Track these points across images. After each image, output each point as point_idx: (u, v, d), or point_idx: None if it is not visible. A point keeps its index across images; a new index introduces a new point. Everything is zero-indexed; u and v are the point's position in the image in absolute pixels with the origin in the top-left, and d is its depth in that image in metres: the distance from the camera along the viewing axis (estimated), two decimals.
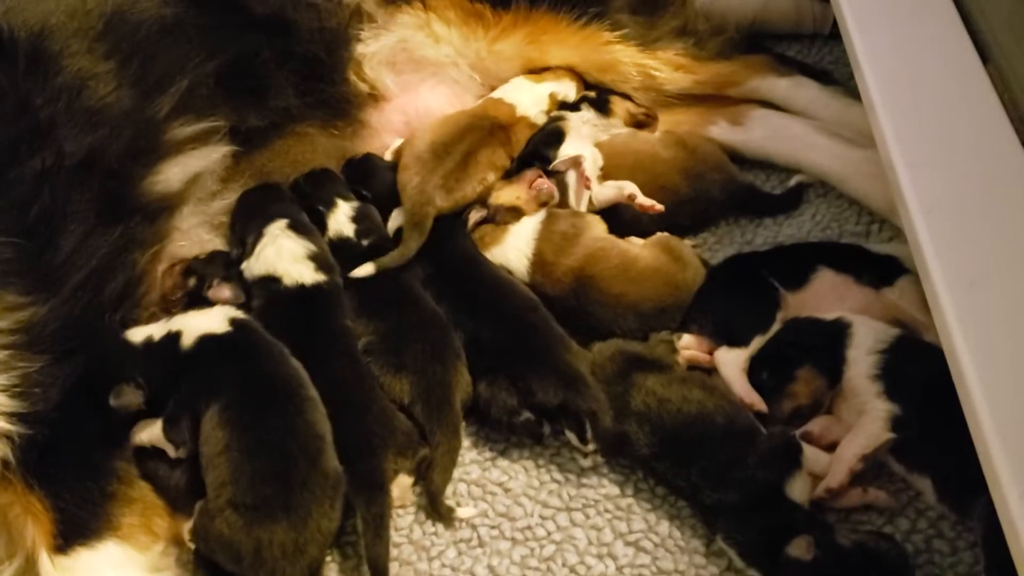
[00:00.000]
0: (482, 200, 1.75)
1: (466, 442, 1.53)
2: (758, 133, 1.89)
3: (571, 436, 1.46)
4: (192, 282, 1.65)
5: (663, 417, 1.41)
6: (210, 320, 1.53)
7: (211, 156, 1.73)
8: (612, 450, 1.46)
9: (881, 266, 1.53)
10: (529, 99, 1.89)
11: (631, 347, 1.53)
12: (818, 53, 2.13)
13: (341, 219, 1.74)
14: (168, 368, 1.48)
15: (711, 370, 1.52)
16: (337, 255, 1.69)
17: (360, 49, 1.90)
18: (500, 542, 1.41)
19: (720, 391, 1.46)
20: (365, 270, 1.62)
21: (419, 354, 1.52)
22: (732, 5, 2.14)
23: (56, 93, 1.56)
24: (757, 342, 1.50)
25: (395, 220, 1.75)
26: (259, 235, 1.67)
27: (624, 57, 1.91)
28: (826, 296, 1.53)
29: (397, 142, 1.88)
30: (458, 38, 1.93)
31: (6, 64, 1.55)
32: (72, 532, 1.36)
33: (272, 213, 1.69)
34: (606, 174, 1.78)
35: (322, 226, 1.73)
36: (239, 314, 1.55)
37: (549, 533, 1.41)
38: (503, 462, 1.51)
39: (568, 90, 1.93)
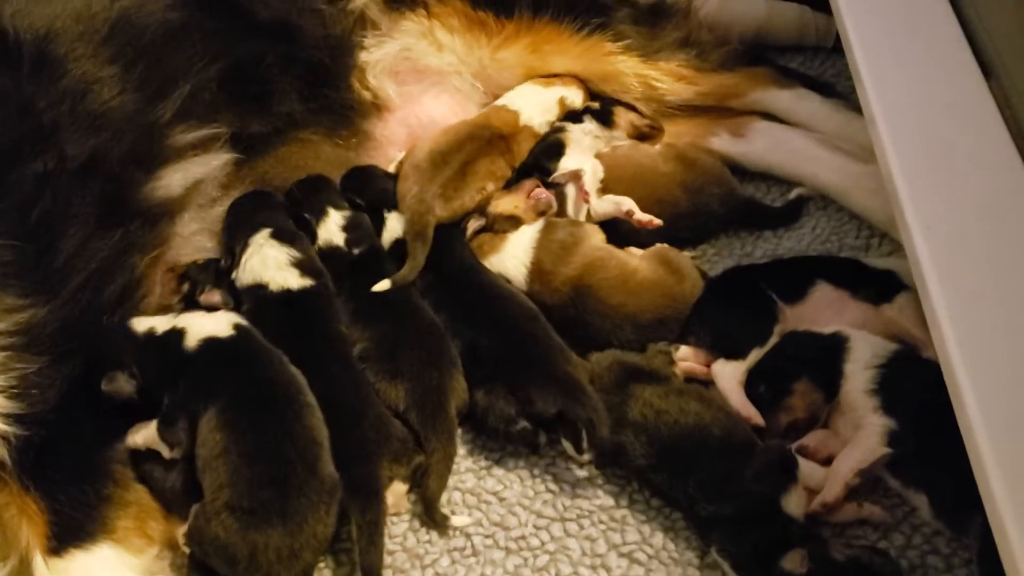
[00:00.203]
0: (481, 209, 1.75)
1: (462, 450, 1.53)
2: (759, 145, 1.89)
3: (567, 446, 1.45)
4: (186, 287, 1.67)
5: (660, 428, 1.41)
6: (215, 323, 1.53)
7: (212, 163, 1.74)
8: (609, 460, 1.45)
9: (879, 281, 1.53)
10: (536, 106, 1.89)
11: (628, 358, 1.53)
12: (821, 66, 2.13)
13: (331, 228, 1.74)
14: (166, 363, 1.48)
15: (708, 382, 1.52)
16: (327, 264, 1.69)
17: (364, 57, 1.91)
18: (494, 551, 1.41)
19: (717, 403, 1.46)
20: (382, 286, 1.62)
21: (414, 361, 1.52)
22: (736, 16, 2.14)
23: (60, 96, 1.56)
24: (755, 355, 1.50)
25: (390, 229, 1.75)
26: (244, 245, 1.67)
27: (626, 68, 1.92)
28: (824, 310, 1.53)
29: (400, 156, 1.88)
30: (461, 46, 1.94)
31: (10, 67, 1.56)
32: (67, 534, 1.37)
33: (257, 223, 1.69)
34: (606, 186, 1.78)
35: (312, 235, 1.74)
36: (242, 320, 1.55)
37: (543, 543, 1.41)
38: (498, 471, 1.51)
39: (576, 97, 1.94)
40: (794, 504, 1.32)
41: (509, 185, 1.80)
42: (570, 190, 1.77)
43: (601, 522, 1.42)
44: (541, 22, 1.92)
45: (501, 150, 1.81)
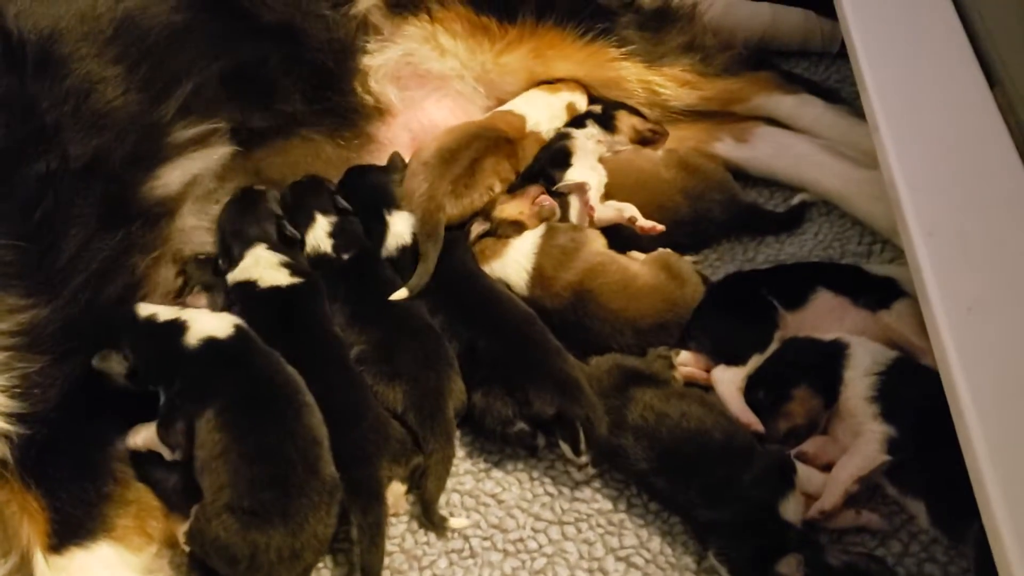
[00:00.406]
0: (485, 213, 1.75)
1: (460, 452, 1.53)
2: (763, 150, 1.89)
3: (565, 448, 1.46)
4: (180, 282, 1.68)
5: (661, 432, 1.41)
6: (218, 323, 1.53)
7: (211, 157, 1.74)
8: (606, 459, 1.45)
9: (879, 289, 1.53)
10: (544, 112, 1.89)
11: (628, 361, 1.53)
12: (825, 71, 2.14)
13: (319, 235, 1.74)
14: (164, 354, 1.48)
15: (709, 387, 1.52)
16: (318, 270, 1.70)
17: (366, 61, 1.91)
18: (492, 553, 1.42)
19: (718, 408, 1.46)
20: (400, 295, 1.62)
21: (412, 362, 1.53)
22: (741, 21, 2.14)
23: (63, 96, 1.57)
24: (755, 361, 1.50)
25: (394, 232, 1.74)
26: (241, 255, 1.69)
27: (629, 74, 1.92)
28: (825, 317, 1.53)
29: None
30: (464, 51, 1.94)
31: (14, 67, 1.56)
32: (67, 532, 1.37)
33: (251, 236, 1.70)
34: (608, 192, 1.78)
35: (301, 242, 1.75)
36: (242, 321, 1.55)
37: (541, 546, 1.41)
38: (497, 473, 1.51)
39: (581, 102, 1.94)
40: (792, 510, 1.32)
41: (513, 190, 1.80)
42: (574, 199, 1.77)
43: (599, 526, 1.42)
44: (544, 27, 1.92)
45: (507, 153, 1.81)
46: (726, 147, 1.91)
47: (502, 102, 1.97)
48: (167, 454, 1.44)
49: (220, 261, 1.72)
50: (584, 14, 1.93)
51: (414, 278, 1.64)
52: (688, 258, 1.74)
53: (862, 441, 1.35)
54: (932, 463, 1.29)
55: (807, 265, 1.69)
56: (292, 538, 1.32)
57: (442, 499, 1.47)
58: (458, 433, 1.54)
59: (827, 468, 1.38)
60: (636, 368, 1.51)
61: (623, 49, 1.92)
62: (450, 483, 1.49)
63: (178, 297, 1.67)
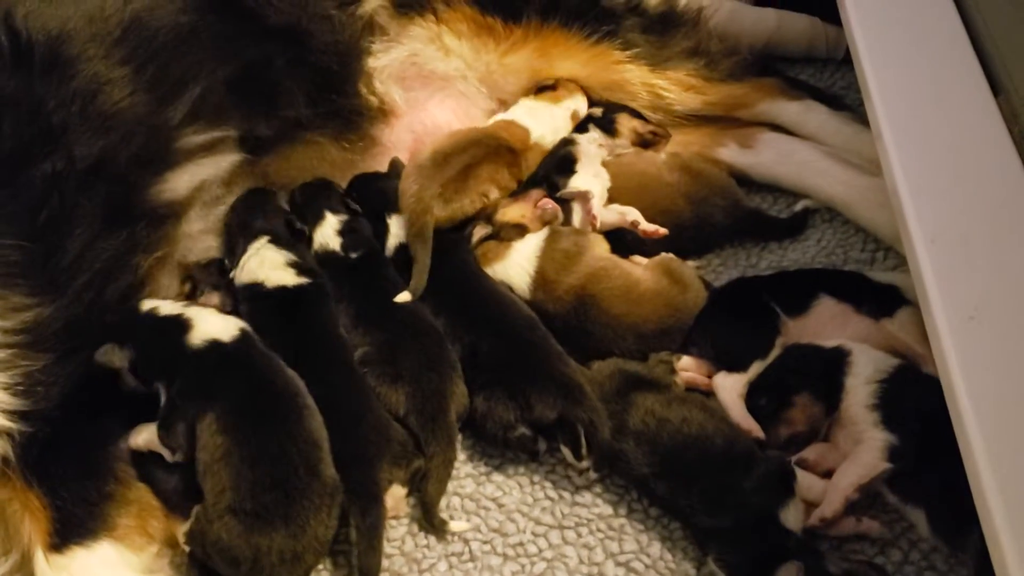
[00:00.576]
0: (487, 216, 1.75)
1: (462, 456, 1.53)
2: (767, 156, 1.89)
3: (566, 452, 1.46)
4: (187, 287, 1.68)
5: (662, 437, 1.41)
6: (222, 325, 1.53)
7: (220, 165, 1.74)
8: (608, 463, 1.45)
9: (881, 296, 1.53)
10: (548, 125, 1.88)
11: (630, 366, 1.53)
12: (830, 77, 2.13)
13: (327, 233, 1.74)
14: (165, 349, 1.49)
15: (710, 393, 1.52)
16: (325, 268, 1.70)
17: (371, 62, 1.91)
18: (491, 557, 1.42)
19: (719, 414, 1.46)
20: (403, 298, 1.62)
21: (415, 365, 1.52)
22: (746, 26, 2.14)
23: (70, 97, 1.57)
24: (756, 368, 1.50)
25: (393, 234, 1.75)
26: (244, 249, 1.69)
27: (633, 77, 1.92)
28: (827, 324, 1.53)
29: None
30: (468, 51, 1.94)
31: (21, 67, 1.57)
32: (68, 531, 1.37)
33: (256, 229, 1.70)
34: (611, 195, 1.78)
35: (308, 239, 1.75)
36: (246, 325, 1.55)
37: (541, 550, 1.41)
38: (498, 477, 1.51)
39: (582, 106, 1.94)
40: (792, 517, 1.32)
41: (516, 193, 1.80)
42: (577, 205, 1.77)
43: (599, 530, 1.42)
44: (549, 28, 1.92)
45: (508, 162, 1.81)
46: (730, 152, 1.91)
47: (505, 103, 1.97)
48: (167, 456, 1.44)
49: (226, 260, 1.72)
50: (589, 16, 1.93)
51: (412, 280, 1.64)
52: (691, 263, 1.75)
53: (863, 449, 1.35)
54: (932, 471, 1.29)
55: (809, 271, 1.69)
56: (294, 540, 1.32)
57: (442, 502, 1.47)
58: (459, 436, 1.54)
59: (828, 475, 1.38)
60: (638, 373, 1.51)
61: (628, 52, 1.92)
62: (451, 486, 1.49)
63: (187, 300, 1.67)
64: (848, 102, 2.00)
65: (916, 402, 1.36)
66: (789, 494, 1.33)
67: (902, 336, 1.47)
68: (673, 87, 1.92)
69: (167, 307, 1.54)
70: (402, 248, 1.73)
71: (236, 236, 1.72)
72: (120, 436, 1.47)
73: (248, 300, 1.64)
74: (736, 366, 1.50)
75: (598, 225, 1.73)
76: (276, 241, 1.69)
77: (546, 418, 1.45)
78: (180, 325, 1.51)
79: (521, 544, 1.42)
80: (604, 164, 1.83)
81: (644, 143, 1.87)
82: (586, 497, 1.46)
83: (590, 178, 1.77)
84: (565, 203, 1.76)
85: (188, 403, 1.43)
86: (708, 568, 1.34)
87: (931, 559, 1.31)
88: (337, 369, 1.54)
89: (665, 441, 1.41)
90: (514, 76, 1.96)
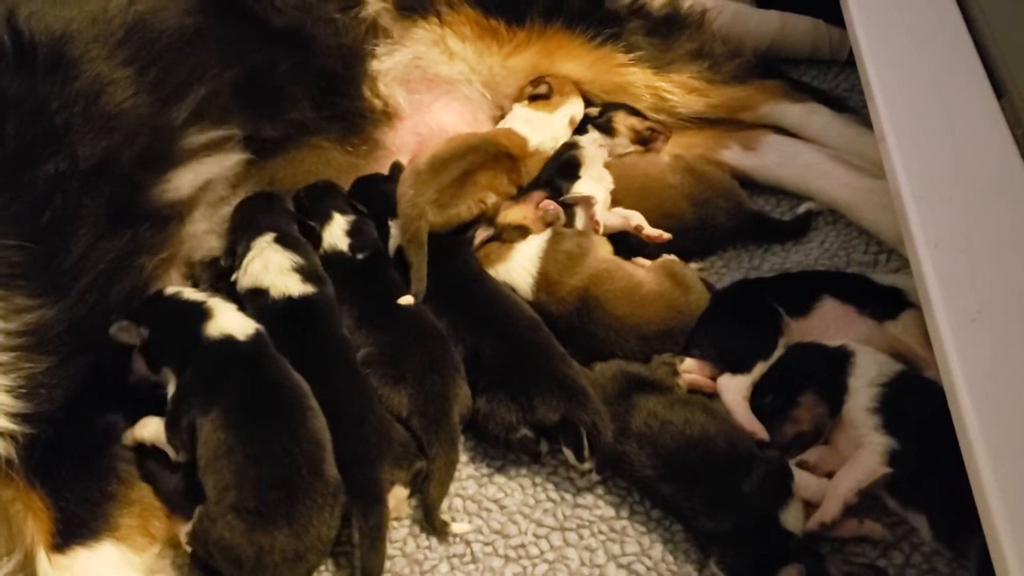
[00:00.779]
0: (489, 218, 1.75)
1: (464, 457, 1.53)
2: (770, 159, 1.89)
3: (568, 454, 1.46)
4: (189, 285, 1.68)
5: (664, 439, 1.41)
6: (240, 324, 1.53)
7: (223, 164, 1.74)
8: (611, 466, 1.45)
9: (885, 298, 1.53)
10: (546, 133, 1.88)
11: (632, 368, 1.53)
12: (834, 80, 2.13)
13: (336, 233, 1.75)
14: (181, 334, 1.49)
15: (713, 394, 1.52)
16: (331, 268, 1.70)
17: (375, 65, 1.91)
18: (493, 559, 1.42)
19: (722, 415, 1.46)
20: (406, 301, 1.62)
21: (418, 367, 1.53)
22: (750, 28, 2.14)
23: (73, 98, 1.57)
24: (759, 369, 1.50)
25: (394, 237, 1.76)
26: (247, 247, 1.68)
27: (637, 80, 1.92)
28: (829, 326, 1.53)
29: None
30: (472, 54, 1.94)
31: (25, 68, 1.57)
32: (71, 531, 1.38)
33: (261, 226, 1.70)
34: (614, 196, 1.78)
35: (317, 240, 1.74)
36: (262, 328, 1.55)
37: (542, 552, 1.41)
38: (500, 479, 1.51)
39: (579, 108, 1.93)
40: (792, 518, 1.32)
41: (518, 195, 1.80)
42: (580, 209, 1.77)
43: (601, 532, 1.42)
44: (552, 31, 1.93)
45: (507, 168, 1.81)
46: (733, 155, 1.91)
47: (507, 113, 1.96)
48: (172, 454, 1.45)
49: (223, 260, 1.71)
50: (592, 19, 1.93)
51: (412, 284, 1.65)
52: (693, 265, 1.75)
53: (863, 453, 1.35)
54: (934, 477, 1.29)
55: (812, 273, 1.69)
56: (296, 539, 1.32)
57: (444, 504, 1.47)
58: (462, 438, 1.54)
59: (828, 477, 1.38)
60: (640, 375, 1.51)
61: (631, 55, 1.93)
62: (453, 488, 1.49)
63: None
64: (851, 104, 2.00)
65: (918, 407, 1.35)
66: (788, 495, 1.33)
67: (905, 339, 1.47)
68: (677, 90, 1.92)
69: (191, 293, 1.55)
70: (402, 251, 1.73)
71: (239, 233, 1.71)
72: (122, 437, 1.48)
73: (252, 308, 1.63)
74: (739, 367, 1.50)
75: (601, 230, 1.73)
76: (282, 240, 1.68)
77: (549, 420, 1.45)
78: (201, 313, 1.52)
79: (523, 546, 1.43)
80: (607, 166, 1.83)
81: (643, 140, 1.87)
82: (588, 499, 1.46)
83: (594, 183, 1.77)
84: (568, 207, 1.76)
85: (195, 396, 1.44)
86: (710, 570, 1.35)
87: (933, 562, 1.31)
88: (339, 370, 1.54)
89: (667, 443, 1.41)
90: (517, 79, 1.97)
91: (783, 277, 1.68)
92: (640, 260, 1.72)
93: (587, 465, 1.45)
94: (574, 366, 1.52)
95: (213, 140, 1.73)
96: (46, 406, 1.38)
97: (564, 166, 1.80)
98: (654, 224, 1.72)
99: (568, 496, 1.47)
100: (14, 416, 1.35)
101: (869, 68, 1.55)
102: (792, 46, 2.17)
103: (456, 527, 1.45)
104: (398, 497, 1.46)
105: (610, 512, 1.45)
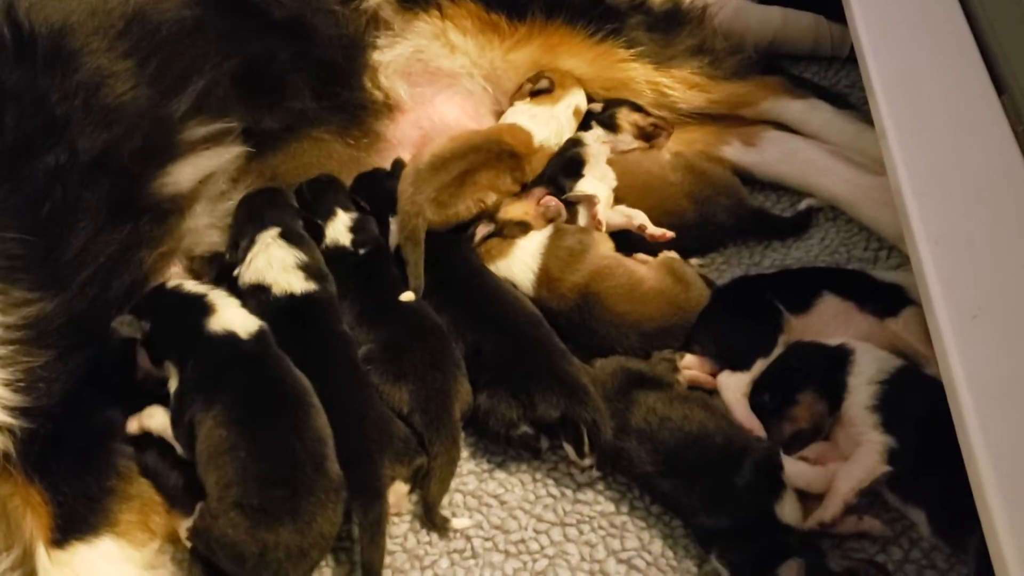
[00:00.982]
0: (490, 215, 1.74)
1: (464, 453, 1.53)
2: (771, 155, 1.89)
3: (568, 449, 1.46)
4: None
5: (664, 435, 1.41)
6: (243, 321, 1.53)
7: (223, 157, 1.74)
8: (611, 463, 1.45)
9: (885, 295, 1.53)
10: (551, 127, 1.87)
11: (633, 364, 1.53)
12: (835, 76, 2.13)
13: (339, 228, 1.75)
14: (183, 327, 1.49)
15: (713, 391, 1.52)
16: (333, 264, 1.69)
17: (376, 57, 1.91)
18: (493, 554, 1.42)
19: (721, 412, 1.47)
20: (407, 297, 1.62)
21: (419, 363, 1.52)
22: (751, 24, 2.14)
23: (73, 90, 1.57)
24: (759, 366, 1.50)
25: (393, 233, 1.76)
26: (251, 242, 1.67)
27: (638, 75, 1.92)
28: (830, 322, 1.53)
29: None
30: (474, 48, 1.94)
31: (24, 60, 1.56)
32: (70, 526, 1.37)
33: (266, 220, 1.70)
34: (616, 194, 1.78)
35: (320, 234, 1.74)
36: (264, 324, 1.55)
37: (542, 547, 1.42)
38: (500, 474, 1.51)
39: (582, 99, 1.93)
40: (788, 511, 1.32)
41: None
42: (583, 207, 1.76)
43: (601, 528, 1.42)
44: (554, 26, 1.92)
45: (510, 167, 1.80)
46: (734, 151, 1.91)
47: (509, 108, 1.95)
48: (178, 449, 1.44)
49: (228, 254, 1.71)
50: (593, 14, 1.93)
51: (410, 281, 1.65)
52: (694, 261, 1.75)
53: (862, 452, 1.35)
54: (933, 473, 1.29)
55: (813, 269, 1.69)
56: (300, 536, 1.32)
57: (445, 499, 1.47)
58: (462, 434, 1.53)
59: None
60: (640, 371, 1.51)
61: (632, 50, 1.92)
62: (453, 483, 1.49)
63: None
64: (852, 100, 2.00)
65: (917, 404, 1.35)
66: (780, 486, 1.33)
67: (905, 336, 1.47)
68: (677, 85, 1.92)
69: (192, 286, 1.55)
70: (398, 249, 1.73)
71: (243, 226, 1.71)
72: (122, 432, 1.48)
73: (254, 304, 1.62)
74: (739, 364, 1.50)
75: (603, 229, 1.73)
76: (286, 236, 1.68)
77: (549, 417, 1.45)
78: (202, 307, 1.51)
79: (523, 541, 1.43)
80: (609, 163, 1.82)
81: (646, 136, 1.87)
82: (588, 495, 1.47)
83: (597, 182, 1.77)
84: (571, 205, 1.75)
85: (197, 393, 1.43)
86: (710, 565, 1.35)
87: (932, 557, 1.31)
88: (340, 367, 1.53)
89: (666, 439, 1.41)
90: (519, 73, 1.96)
91: (783, 273, 1.68)
92: (641, 256, 1.72)
93: (587, 461, 1.45)
94: (575, 363, 1.52)
95: (213, 133, 1.72)
96: (45, 400, 1.38)
97: (568, 163, 1.80)
98: (655, 221, 1.72)
99: (568, 492, 1.48)
100: (13, 410, 1.35)
101: (870, 64, 1.55)
102: (793, 42, 2.17)
103: (456, 522, 1.45)
104: (398, 493, 1.46)
105: (610, 508, 1.45)
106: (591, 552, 1.40)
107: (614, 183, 1.79)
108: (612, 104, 1.90)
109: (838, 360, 1.45)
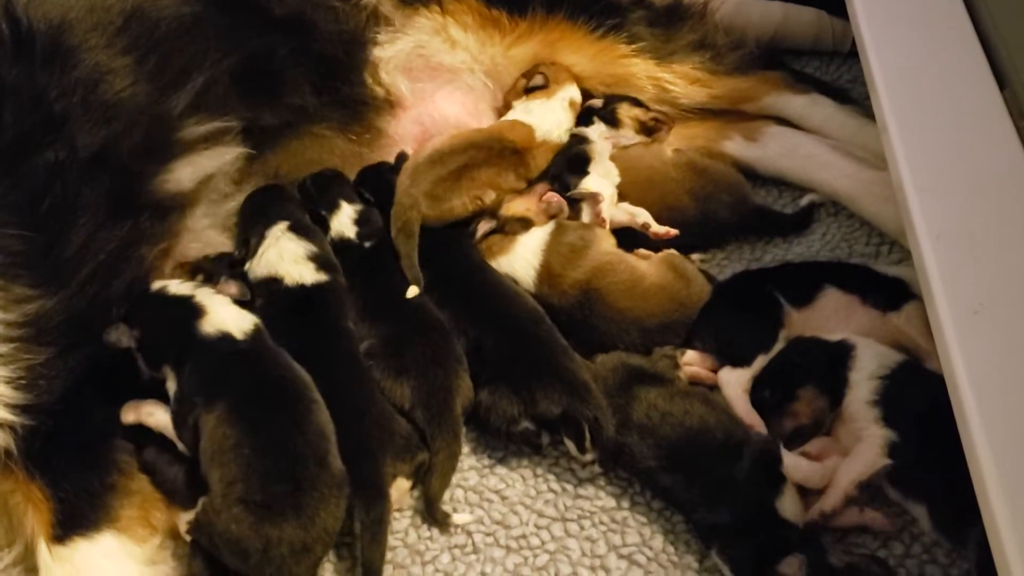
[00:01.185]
0: (492, 211, 1.74)
1: (465, 448, 1.53)
2: (772, 150, 1.89)
3: (570, 445, 1.46)
4: (200, 279, 1.65)
5: (665, 431, 1.41)
6: (236, 318, 1.52)
7: (224, 156, 1.74)
8: (612, 459, 1.45)
9: (888, 289, 1.52)
10: (550, 120, 1.87)
11: (633, 360, 1.53)
12: (836, 71, 2.13)
13: (344, 221, 1.75)
14: (173, 331, 1.49)
15: (714, 387, 1.52)
16: (339, 256, 1.70)
17: (377, 52, 1.91)
18: (494, 549, 1.42)
19: (721, 407, 1.46)
20: (412, 292, 1.62)
21: (420, 359, 1.53)
22: (753, 19, 2.14)
23: (72, 86, 1.56)
24: (760, 362, 1.50)
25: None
26: (261, 237, 1.68)
27: (639, 71, 1.92)
28: (831, 316, 1.53)
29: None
30: (474, 43, 1.94)
31: (23, 56, 1.56)
32: (71, 522, 1.38)
33: (274, 215, 1.70)
34: (619, 190, 1.78)
35: (325, 227, 1.74)
36: (257, 320, 1.55)
37: (543, 543, 1.42)
38: (501, 470, 1.51)
39: (575, 91, 1.93)
40: (789, 507, 1.32)
41: None
42: (586, 204, 1.76)
43: (602, 523, 1.43)
44: (555, 21, 1.92)
45: (513, 164, 1.80)
46: (735, 146, 1.91)
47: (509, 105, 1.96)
48: (182, 447, 1.44)
49: (237, 251, 1.71)
50: (595, 9, 1.93)
51: (406, 273, 1.64)
52: (695, 256, 1.75)
53: (863, 446, 1.35)
54: (934, 468, 1.29)
55: (816, 263, 1.69)
56: (304, 531, 1.32)
57: (446, 495, 1.48)
58: (464, 429, 1.53)
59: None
60: (641, 367, 1.51)
61: (633, 46, 1.92)
62: (454, 479, 1.50)
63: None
64: (854, 96, 1.99)
65: (918, 399, 1.35)
66: (780, 481, 1.33)
67: (908, 331, 1.47)
68: (679, 80, 1.92)
69: (176, 287, 1.54)
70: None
71: (253, 221, 1.71)
72: (122, 428, 1.47)
73: (265, 296, 1.63)
74: (739, 360, 1.50)
75: (607, 226, 1.73)
76: (295, 229, 1.68)
77: (550, 414, 1.45)
78: (191, 309, 1.51)
79: (524, 536, 1.43)
80: (612, 158, 1.82)
81: (647, 131, 1.87)
82: (589, 490, 1.47)
83: (601, 179, 1.76)
84: (575, 201, 1.75)
85: (197, 396, 1.43)
86: (711, 561, 1.35)
87: (933, 552, 1.32)
88: (342, 363, 1.54)
89: (667, 435, 1.41)
90: (520, 69, 1.96)
91: (786, 267, 1.68)
92: (643, 251, 1.72)
93: (588, 456, 1.45)
94: (576, 359, 1.52)
95: (212, 131, 1.72)
96: (46, 397, 1.38)
97: (574, 160, 1.80)
98: (657, 217, 1.72)
99: (569, 487, 1.48)
100: (13, 407, 1.35)
101: (872, 59, 1.55)
102: (795, 37, 2.16)
103: (457, 518, 1.45)
104: (400, 489, 1.46)
105: (611, 503, 1.45)
106: (592, 547, 1.40)
107: (617, 180, 1.79)
108: (613, 99, 1.90)
109: (839, 355, 1.44)
